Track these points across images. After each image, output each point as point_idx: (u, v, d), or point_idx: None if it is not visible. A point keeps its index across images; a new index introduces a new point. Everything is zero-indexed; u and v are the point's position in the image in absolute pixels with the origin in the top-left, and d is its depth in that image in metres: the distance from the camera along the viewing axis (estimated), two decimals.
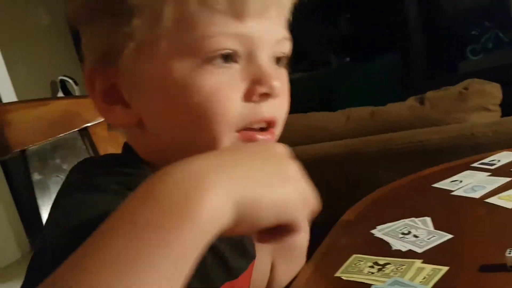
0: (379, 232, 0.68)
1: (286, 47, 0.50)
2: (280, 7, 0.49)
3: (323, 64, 4.24)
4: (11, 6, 2.76)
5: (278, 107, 0.49)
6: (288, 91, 0.52)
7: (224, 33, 0.44)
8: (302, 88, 3.81)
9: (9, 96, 2.73)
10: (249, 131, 0.47)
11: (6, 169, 3.58)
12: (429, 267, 0.56)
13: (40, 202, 0.74)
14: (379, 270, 0.58)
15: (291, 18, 0.53)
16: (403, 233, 0.66)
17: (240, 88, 0.46)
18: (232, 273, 0.56)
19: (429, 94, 1.10)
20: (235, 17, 0.45)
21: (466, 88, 1.08)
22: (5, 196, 3.40)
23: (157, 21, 0.45)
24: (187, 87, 0.45)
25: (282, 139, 1.32)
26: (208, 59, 0.44)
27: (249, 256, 0.60)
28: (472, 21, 3.75)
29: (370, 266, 0.59)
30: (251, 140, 0.47)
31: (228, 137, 0.46)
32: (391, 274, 0.57)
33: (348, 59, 4.29)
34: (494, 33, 3.55)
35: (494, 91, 1.08)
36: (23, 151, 0.75)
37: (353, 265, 0.60)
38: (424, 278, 0.54)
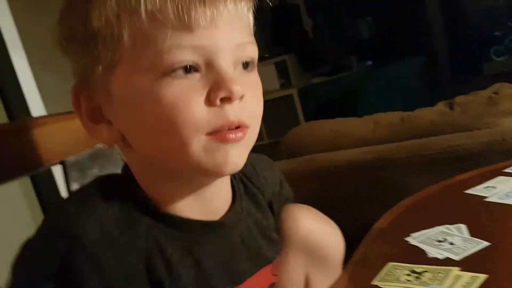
0: (414, 239, 0.68)
1: (249, 52, 0.52)
2: (231, 14, 0.49)
3: (345, 68, 4.23)
4: (40, 18, 2.81)
5: (245, 109, 0.50)
6: (258, 92, 0.53)
7: (178, 46, 0.47)
8: (324, 93, 3.82)
9: (38, 108, 2.76)
10: (219, 132, 0.49)
11: (35, 181, 3.66)
12: (467, 275, 0.56)
13: None
14: (417, 278, 0.58)
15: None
16: (438, 241, 0.66)
17: (201, 94, 0.48)
18: (235, 278, 0.56)
19: (459, 98, 1.09)
20: (186, 31, 0.47)
21: (496, 93, 1.07)
22: (35, 205, 3.47)
23: (117, 44, 0.48)
24: (151, 99, 0.48)
25: (309, 146, 1.33)
26: (168, 72, 0.47)
27: (260, 261, 0.60)
28: (495, 22, 3.71)
29: (407, 274, 0.59)
30: (222, 140, 0.49)
31: (197, 141, 0.48)
32: (429, 282, 0.57)
33: (370, 62, 4.27)
34: None
35: None
36: (63, 162, 0.77)
37: (390, 273, 0.60)
38: (463, 286, 0.54)
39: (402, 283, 0.58)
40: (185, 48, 0.47)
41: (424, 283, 0.56)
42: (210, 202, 0.56)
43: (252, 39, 0.53)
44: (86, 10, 0.49)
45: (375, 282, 0.59)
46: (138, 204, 0.52)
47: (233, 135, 0.49)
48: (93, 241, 0.46)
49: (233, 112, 0.49)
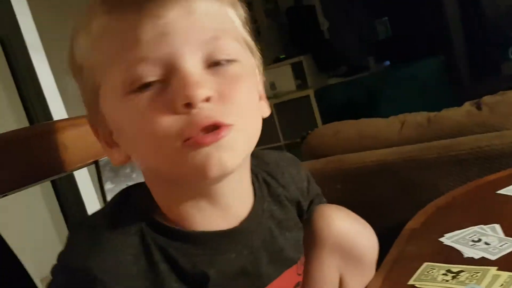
0: (448, 240, 0.68)
1: (224, 47, 0.49)
2: (189, 14, 0.47)
3: (362, 69, 4.21)
4: (61, 21, 2.84)
5: (222, 108, 0.48)
6: (239, 86, 0.50)
7: (134, 62, 0.47)
8: (341, 94, 3.80)
9: (59, 110, 2.78)
10: (193, 137, 0.47)
11: (55, 184, 3.72)
12: (505, 274, 0.56)
13: None
14: (454, 277, 0.58)
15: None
16: (473, 241, 0.66)
17: (166, 104, 0.46)
18: (259, 283, 0.56)
19: (486, 98, 1.08)
20: (137, 45, 0.47)
21: None
22: (54, 207, 3.52)
23: (93, 73, 0.51)
24: (126, 118, 0.49)
25: (334, 147, 1.32)
26: (132, 89, 0.47)
27: (283, 262, 0.60)
28: None
29: (443, 274, 0.59)
30: (197, 144, 0.47)
31: (174, 151, 0.47)
32: (467, 281, 0.56)
33: (387, 63, 4.24)
34: None
35: None
36: (96, 162, 0.78)
37: (426, 273, 0.60)
38: (501, 285, 0.54)
39: (439, 283, 0.58)
40: (142, 62, 0.47)
41: (462, 283, 0.56)
42: (229, 208, 0.55)
43: (229, 34, 0.50)
44: (71, 46, 0.52)
45: (411, 282, 0.59)
46: (155, 226, 0.52)
47: (210, 137, 0.47)
48: (110, 273, 0.47)
49: (204, 114, 0.46)
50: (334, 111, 3.72)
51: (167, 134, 0.47)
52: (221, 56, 0.49)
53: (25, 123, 3.54)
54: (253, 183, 0.59)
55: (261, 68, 0.59)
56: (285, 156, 0.68)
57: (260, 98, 0.58)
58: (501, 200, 0.78)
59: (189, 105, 0.46)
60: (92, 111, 0.53)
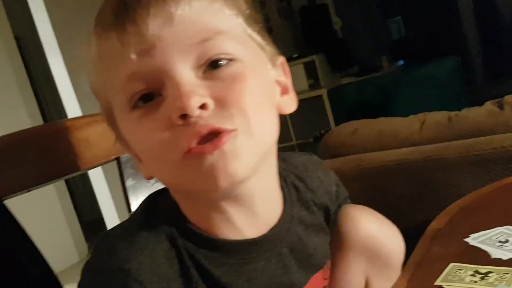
0: (473, 240, 0.67)
1: (217, 47, 0.47)
2: (173, 21, 0.46)
3: (375, 69, 4.18)
4: (75, 18, 2.86)
5: (220, 113, 0.46)
6: (238, 86, 0.47)
7: (127, 79, 0.46)
8: (354, 93, 3.78)
9: (74, 109, 2.80)
10: (193, 148, 0.45)
11: (69, 182, 3.76)
12: None
13: (133, 204, 0.78)
14: (482, 278, 0.57)
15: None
16: (500, 241, 0.65)
17: (162, 118, 0.46)
18: None
19: (508, 98, 1.07)
20: (122, 66, 0.46)
21: None
22: (66, 203, 3.55)
23: (103, 95, 0.52)
24: (130, 136, 0.50)
25: (352, 146, 1.32)
26: (131, 106, 0.47)
27: (311, 269, 0.59)
28: None
29: (471, 275, 0.58)
30: (198, 155, 0.45)
31: (176, 165, 0.46)
32: (496, 282, 0.56)
33: (401, 62, 4.21)
34: None
35: None
36: (118, 159, 0.79)
37: (453, 274, 0.59)
38: None
39: (467, 283, 0.57)
40: (133, 78, 0.46)
41: (491, 284, 0.55)
42: (256, 214, 0.53)
43: (223, 32, 0.48)
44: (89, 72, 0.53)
45: (438, 282, 0.58)
46: (184, 232, 0.51)
47: (209, 145, 0.45)
48: (148, 275, 0.47)
49: (202, 123, 0.45)
50: (346, 111, 3.71)
51: (167, 148, 0.46)
52: (214, 57, 0.47)
53: (39, 122, 3.57)
54: (281, 188, 0.58)
55: (279, 61, 0.56)
56: (313, 159, 0.67)
57: (283, 93, 0.56)
58: None
59: (184, 116, 0.44)
60: (115, 131, 0.54)
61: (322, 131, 4.01)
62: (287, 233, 0.56)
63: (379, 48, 4.45)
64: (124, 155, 0.79)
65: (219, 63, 0.47)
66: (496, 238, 0.66)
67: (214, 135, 0.45)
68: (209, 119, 0.45)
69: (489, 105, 1.08)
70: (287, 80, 0.57)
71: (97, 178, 2.80)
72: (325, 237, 0.62)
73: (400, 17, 4.53)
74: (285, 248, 0.56)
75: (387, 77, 3.93)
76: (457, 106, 1.27)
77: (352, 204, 0.67)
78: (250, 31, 0.52)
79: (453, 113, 1.10)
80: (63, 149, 0.72)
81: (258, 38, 0.53)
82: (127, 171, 0.77)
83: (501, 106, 1.04)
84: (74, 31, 2.82)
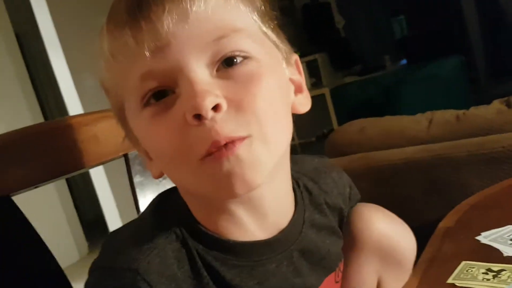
0: (485, 238, 0.66)
1: (232, 44, 0.46)
2: (189, 17, 0.45)
3: (378, 68, 4.18)
4: (78, 13, 2.85)
5: (234, 120, 0.44)
6: (254, 86, 0.46)
7: (140, 76, 0.46)
8: (357, 92, 3.78)
9: (75, 106, 2.79)
10: (209, 154, 0.44)
11: (69, 181, 3.75)
12: None
13: (140, 201, 0.78)
14: (495, 276, 0.57)
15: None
16: (510, 239, 0.64)
17: (176, 117, 0.45)
18: None
19: None
20: (136, 64, 0.46)
21: None
22: (67, 201, 3.54)
23: (114, 93, 0.51)
24: (143, 135, 0.50)
25: (359, 144, 1.31)
26: (143, 104, 0.47)
27: (323, 272, 0.58)
28: None
29: (484, 273, 0.58)
30: (214, 161, 0.44)
31: (193, 168, 0.45)
32: (509, 280, 0.55)
33: (404, 61, 4.21)
34: None
35: None
36: (126, 155, 0.78)
37: (465, 272, 0.59)
38: None
39: (480, 281, 0.56)
40: (147, 77, 0.45)
41: (504, 282, 0.55)
42: (267, 217, 0.53)
43: (239, 30, 0.47)
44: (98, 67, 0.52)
45: (450, 281, 0.57)
46: (194, 233, 0.51)
47: (224, 152, 0.44)
48: (157, 275, 0.46)
49: (217, 128, 0.43)
50: (349, 110, 3.70)
51: (182, 151, 0.45)
52: (230, 54, 0.46)
53: (40, 119, 3.56)
54: (294, 190, 0.57)
55: (293, 59, 0.56)
56: (326, 162, 0.66)
57: (296, 92, 0.55)
58: None
59: (198, 116, 0.43)
60: (125, 129, 0.53)
61: (325, 131, 4.01)
62: (299, 236, 0.56)
63: (382, 47, 4.45)
64: (132, 151, 0.79)
65: (234, 60, 0.46)
66: (508, 236, 0.65)
67: (228, 142, 0.44)
68: (223, 125, 0.44)
69: (497, 104, 1.08)
70: (301, 79, 0.56)
71: (98, 175, 2.80)
72: (338, 239, 0.61)
73: (403, 16, 4.52)
74: (296, 250, 0.55)
75: (389, 76, 3.93)
76: (461, 105, 1.27)
77: (364, 203, 0.67)
78: (265, 28, 0.51)
79: (461, 112, 1.09)
80: (70, 145, 0.72)
81: (273, 36, 0.52)
82: (134, 168, 0.77)
83: (509, 105, 1.04)
84: (76, 27, 2.82)
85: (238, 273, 0.51)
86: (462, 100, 3.16)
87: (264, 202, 0.52)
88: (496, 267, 0.58)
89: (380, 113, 1.39)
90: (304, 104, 0.56)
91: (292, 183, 0.57)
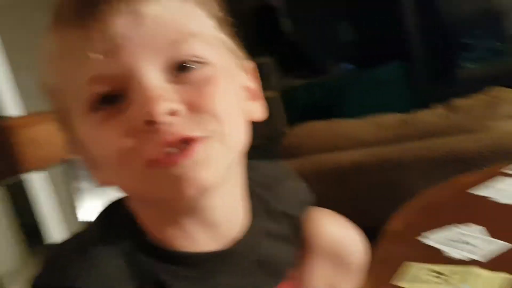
0: (428, 239, 0.68)
1: (188, 48, 0.44)
2: (141, 20, 0.43)
3: (325, 71, 4.26)
4: (17, 14, 2.73)
5: (191, 122, 0.43)
6: (211, 90, 0.45)
7: (87, 80, 0.43)
8: (305, 96, 3.84)
9: (14, 107, 2.68)
10: (157, 159, 0.42)
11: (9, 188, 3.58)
12: (490, 273, 0.57)
13: (86, 208, 0.75)
14: (438, 277, 0.58)
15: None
16: (453, 240, 0.67)
17: (128, 123, 0.42)
18: None
19: (458, 102, 1.12)
20: (85, 66, 0.43)
21: (493, 96, 1.10)
22: (6, 207, 3.38)
23: (59, 95, 0.48)
24: (89, 140, 0.47)
25: (310, 147, 1.32)
26: (89, 109, 0.44)
27: (279, 279, 0.57)
28: (468, 30, 3.83)
29: (427, 274, 0.59)
30: (162, 166, 0.43)
31: (141, 174, 0.44)
32: (452, 281, 0.57)
33: (350, 66, 4.32)
34: (489, 42, 3.66)
35: None
36: (68, 161, 0.75)
37: (410, 273, 0.60)
38: (488, 284, 0.55)
39: (424, 282, 0.58)
40: (96, 80, 0.43)
41: (447, 282, 0.57)
42: (219, 226, 0.51)
43: (195, 35, 0.45)
44: (39, 68, 0.49)
45: (395, 282, 0.59)
46: (142, 246, 0.48)
47: (178, 156, 0.42)
48: None
49: (170, 129, 0.42)
50: (298, 113, 3.74)
51: (129, 155, 0.43)
52: (185, 60, 0.44)
53: None
54: (248, 198, 0.56)
55: (249, 66, 0.54)
56: (281, 168, 0.66)
57: (252, 99, 0.54)
58: (477, 201, 0.80)
59: (151, 123, 0.41)
60: (69, 133, 0.50)
61: (275, 133, 4.03)
62: (253, 246, 0.54)
63: (329, 51, 4.54)
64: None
65: (191, 66, 0.44)
66: (450, 237, 0.68)
67: (185, 143, 0.42)
68: (179, 126, 0.42)
69: (440, 108, 1.12)
70: (257, 86, 0.55)
71: (38, 181, 2.69)
72: (293, 248, 0.61)
73: (348, 21, 4.64)
74: (251, 261, 0.54)
75: (337, 80, 4.02)
76: (403, 109, 1.31)
77: (316, 208, 0.67)
78: (222, 34, 0.50)
79: (406, 116, 1.13)
80: (6, 148, 0.68)
81: (230, 42, 0.51)
82: (81, 174, 0.74)
83: (451, 110, 1.08)
84: (17, 24, 2.70)
85: (190, 286, 0.49)
86: (404, 104, 3.28)
87: (216, 211, 0.50)
88: (439, 268, 0.60)
89: (328, 116, 1.42)
90: (259, 112, 0.54)
91: (247, 191, 0.56)
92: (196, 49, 0.45)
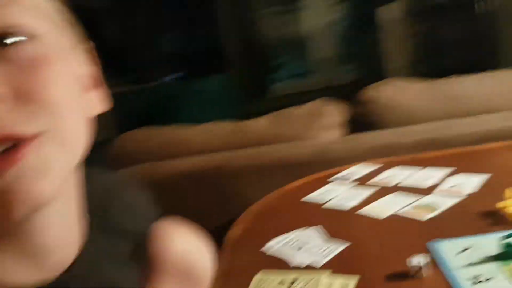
0: (271, 248, 0.68)
1: (9, 17, 0.34)
2: None
3: (153, 79, 4.24)
4: None
5: (19, 113, 0.33)
6: (38, 76, 0.35)
7: None
8: (132, 102, 3.73)
9: None
10: None
11: None
12: (339, 278, 0.58)
13: None
14: (289, 287, 0.58)
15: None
16: (295, 246, 0.68)
17: None
18: None
19: (285, 111, 1.18)
20: None
21: (316, 107, 1.19)
22: None
23: None
24: None
25: (143, 154, 1.26)
26: None
27: None
28: (280, 52, 4.34)
29: (279, 283, 0.59)
30: None
31: None
32: None
33: (179, 74, 4.37)
34: (297, 63, 4.15)
35: (341, 109, 1.22)
36: None
37: (260, 285, 0.59)
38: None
39: None
40: None
41: None
42: (48, 254, 0.42)
43: (22, 3, 0.35)
44: None
45: None
46: None
47: (4, 162, 0.32)
48: None
49: None
50: (126, 119, 3.65)
51: None
52: (8, 30, 0.34)
53: None
54: (84, 215, 0.47)
55: (87, 45, 0.45)
56: (122, 179, 0.58)
57: (91, 88, 0.45)
58: (309, 207, 0.84)
59: None
60: None
61: (102, 139, 3.82)
62: (89, 273, 0.46)
63: (158, 58, 4.53)
64: None
65: (14, 39, 0.34)
66: (292, 243, 0.69)
67: (10, 144, 0.32)
68: (3, 119, 0.32)
69: (269, 117, 1.19)
70: (97, 70, 0.44)
71: None
72: (135, 268, 0.54)
73: (178, 31, 4.70)
74: None
75: (164, 88, 4.04)
76: (229, 118, 1.34)
77: (162, 220, 0.62)
78: (55, 16, 0.40)
79: (237, 124, 1.17)
80: None
81: (66, 15, 0.41)
82: None
83: (278, 119, 1.15)
84: None
85: None
86: (228, 113, 3.46)
87: (45, 233, 0.40)
88: (288, 276, 0.60)
89: (156, 124, 1.38)
90: (101, 102, 0.44)
91: (82, 206, 0.47)
92: (21, 16, 0.35)
